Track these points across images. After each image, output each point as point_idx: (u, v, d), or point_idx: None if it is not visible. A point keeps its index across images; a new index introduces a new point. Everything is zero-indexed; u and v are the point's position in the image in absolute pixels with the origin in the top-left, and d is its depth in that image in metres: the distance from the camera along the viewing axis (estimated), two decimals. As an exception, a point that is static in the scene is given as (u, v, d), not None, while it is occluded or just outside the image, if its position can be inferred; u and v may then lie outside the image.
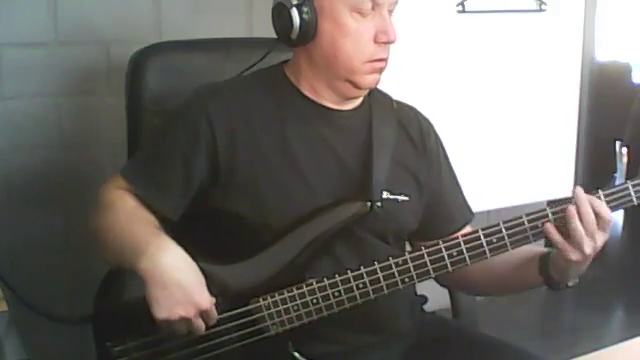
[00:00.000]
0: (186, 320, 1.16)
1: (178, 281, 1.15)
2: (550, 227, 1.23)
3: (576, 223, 1.20)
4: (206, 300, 1.18)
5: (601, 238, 1.22)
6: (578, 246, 1.21)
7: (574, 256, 1.22)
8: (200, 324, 1.19)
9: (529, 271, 1.32)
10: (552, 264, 1.29)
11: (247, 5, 2.27)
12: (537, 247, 1.31)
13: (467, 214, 1.50)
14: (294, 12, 1.28)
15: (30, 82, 2.04)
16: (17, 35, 2.00)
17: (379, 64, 1.31)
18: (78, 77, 2.09)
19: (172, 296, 1.14)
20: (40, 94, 2.05)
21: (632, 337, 1.31)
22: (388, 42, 1.29)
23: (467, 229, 1.44)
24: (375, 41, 1.29)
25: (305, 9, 1.28)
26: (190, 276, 1.18)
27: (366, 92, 1.38)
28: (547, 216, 1.24)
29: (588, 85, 3.16)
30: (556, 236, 1.23)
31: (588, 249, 1.22)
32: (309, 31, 1.29)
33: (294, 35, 1.29)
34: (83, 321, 1.31)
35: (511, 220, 1.24)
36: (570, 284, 1.30)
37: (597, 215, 1.20)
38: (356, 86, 1.32)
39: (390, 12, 1.30)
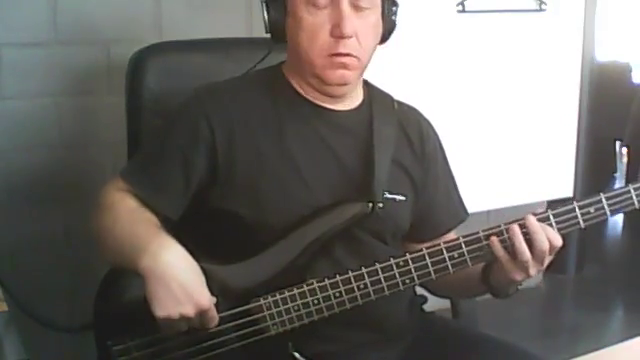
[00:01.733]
0: (186, 319, 1.16)
1: (179, 279, 1.15)
2: (496, 241, 1.23)
3: (523, 247, 1.21)
4: (206, 299, 1.18)
5: (548, 260, 1.23)
6: (523, 269, 1.22)
7: (519, 276, 1.23)
8: (199, 323, 1.19)
9: (474, 280, 1.33)
10: (493, 276, 1.29)
11: (247, 5, 2.27)
12: None
13: (460, 215, 1.50)
14: (264, 10, 1.30)
15: (30, 82, 2.03)
16: (17, 35, 2.00)
17: (339, 59, 1.28)
18: (78, 77, 2.09)
19: (173, 294, 1.14)
20: (40, 94, 2.05)
21: (632, 337, 1.31)
22: (341, 37, 1.26)
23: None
24: (331, 35, 1.27)
25: (273, 8, 1.30)
26: (191, 275, 1.17)
27: (345, 89, 1.34)
28: (549, 218, 1.23)
29: (588, 85, 3.16)
30: (501, 252, 1.23)
31: (533, 271, 1.23)
32: (277, 28, 1.30)
33: (269, 33, 1.32)
34: (83, 329, 1.31)
35: (513, 222, 1.24)
36: (510, 292, 1.32)
37: (550, 243, 1.21)
38: (323, 82, 1.31)
39: (358, 8, 1.26)
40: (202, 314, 1.18)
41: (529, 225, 1.21)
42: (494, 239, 1.23)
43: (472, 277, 1.33)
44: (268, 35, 1.35)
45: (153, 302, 1.14)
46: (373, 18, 1.30)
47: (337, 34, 1.26)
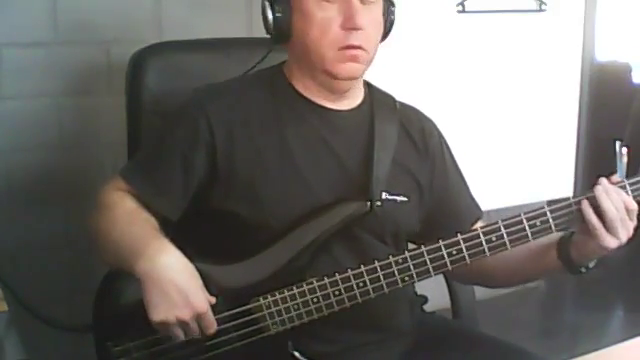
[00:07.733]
0: (183, 323, 1.17)
1: (175, 283, 1.15)
2: (587, 206, 1.23)
3: (608, 204, 1.22)
4: (203, 303, 1.18)
5: (632, 225, 1.24)
6: (614, 231, 1.22)
7: (612, 243, 1.23)
8: (197, 328, 1.19)
9: (547, 257, 1.31)
10: (575, 248, 1.28)
11: (247, 5, 2.27)
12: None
13: (475, 211, 1.48)
14: (268, 11, 1.30)
15: (30, 82, 2.03)
16: (17, 35, 2.00)
17: (350, 52, 1.29)
18: (78, 77, 2.09)
19: (169, 298, 1.15)
20: (40, 94, 2.05)
21: (632, 337, 1.32)
22: (354, 28, 1.28)
23: (479, 224, 1.43)
24: (342, 27, 1.28)
25: (278, 7, 1.29)
26: (188, 279, 1.18)
27: (351, 84, 1.35)
28: (545, 214, 1.24)
29: (588, 85, 3.16)
30: (593, 217, 1.22)
31: (623, 235, 1.23)
32: (283, 28, 1.30)
33: (272, 33, 1.31)
34: (84, 330, 1.31)
35: (510, 219, 1.25)
36: (591, 266, 1.30)
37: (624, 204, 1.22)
38: (333, 76, 1.31)
39: (365, 1, 1.28)
40: (199, 318, 1.18)
41: (603, 184, 1.24)
42: (586, 203, 1.23)
43: (545, 255, 1.32)
44: (266, 35, 1.35)
45: (149, 306, 1.15)
46: (378, 13, 1.32)
47: (349, 26, 1.27)
